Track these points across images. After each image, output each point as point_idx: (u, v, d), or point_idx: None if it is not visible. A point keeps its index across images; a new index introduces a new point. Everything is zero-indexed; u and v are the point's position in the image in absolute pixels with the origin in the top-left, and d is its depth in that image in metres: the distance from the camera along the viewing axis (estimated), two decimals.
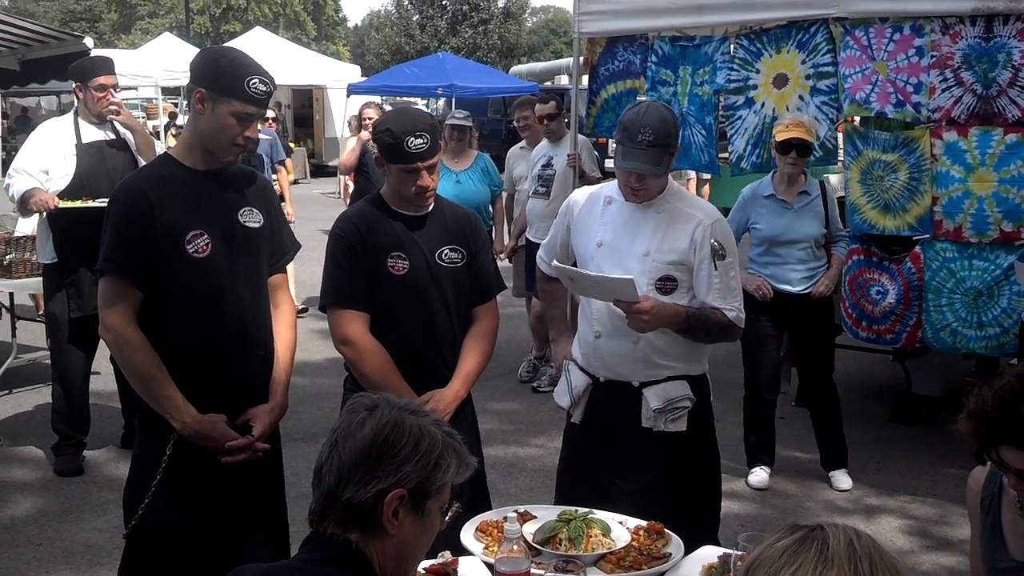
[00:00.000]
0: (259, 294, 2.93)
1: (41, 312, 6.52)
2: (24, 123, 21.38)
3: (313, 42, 49.60)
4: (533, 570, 2.30)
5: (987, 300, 5.05)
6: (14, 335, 6.27)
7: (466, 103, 16.70)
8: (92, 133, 5.06)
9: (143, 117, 23.88)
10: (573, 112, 6.50)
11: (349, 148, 8.25)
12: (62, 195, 4.90)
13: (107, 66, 5.15)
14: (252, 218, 2.90)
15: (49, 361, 5.42)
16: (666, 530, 2.63)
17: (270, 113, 9.85)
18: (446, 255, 3.07)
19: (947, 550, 4.41)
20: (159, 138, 16.45)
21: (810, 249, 5.05)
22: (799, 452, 5.35)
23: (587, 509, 2.69)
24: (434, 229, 3.08)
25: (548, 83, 21.75)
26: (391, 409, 1.75)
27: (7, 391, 6.38)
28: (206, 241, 2.78)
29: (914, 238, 5.44)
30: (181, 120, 19.41)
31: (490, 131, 20.62)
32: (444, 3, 48.47)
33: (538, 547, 2.51)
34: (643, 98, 5.74)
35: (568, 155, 6.37)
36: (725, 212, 3.41)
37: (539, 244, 3.88)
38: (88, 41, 6.82)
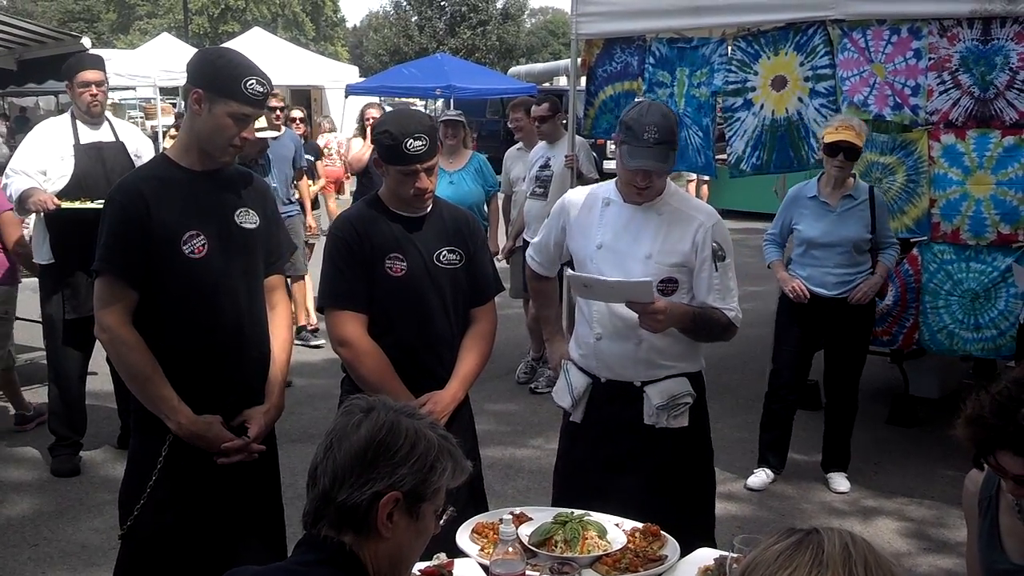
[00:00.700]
0: (255, 295, 2.93)
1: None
2: (22, 123, 21.34)
3: (311, 43, 49.60)
4: (528, 572, 2.30)
5: (984, 302, 5.06)
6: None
7: (464, 104, 16.69)
8: (90, 134, 5.03)
9: (142, 117, 23.93)
10: (571, 113, 6.49)
11: (356, 147, 7.94)
12: (60, 196, 4.88)
13: (92, 62, 5.08)
14: (248, 219, 2.89)
15: (45, 361, 5.40)
16: (662, 532, 2.62)
17: (296, 113, 8.66)
18: (444, 256, 3.06)
19: (944, 552, 4.41)
20: (158, 139, 16.44)
21: (849, 253, 4.88)
22: (797, 454, 5.34)
23: (583, 511, 2.68)
24: (432, 230, 3.07)
25: (547, 84, 21.75)
26: (387, 411, 1.74)
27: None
28: (202, 242, 2.78)
29: (912, 240, 5.45)
30: None
31: (488, 132, 20.63)
32: (443, 4, 48.51)
33: (534, 549, 2.50)
34: (640, 99, 5.74)
35: (566, 156, 6.37)
36: (723, 213, 3.41)
37: None
38: (86, 41, 6.78)
